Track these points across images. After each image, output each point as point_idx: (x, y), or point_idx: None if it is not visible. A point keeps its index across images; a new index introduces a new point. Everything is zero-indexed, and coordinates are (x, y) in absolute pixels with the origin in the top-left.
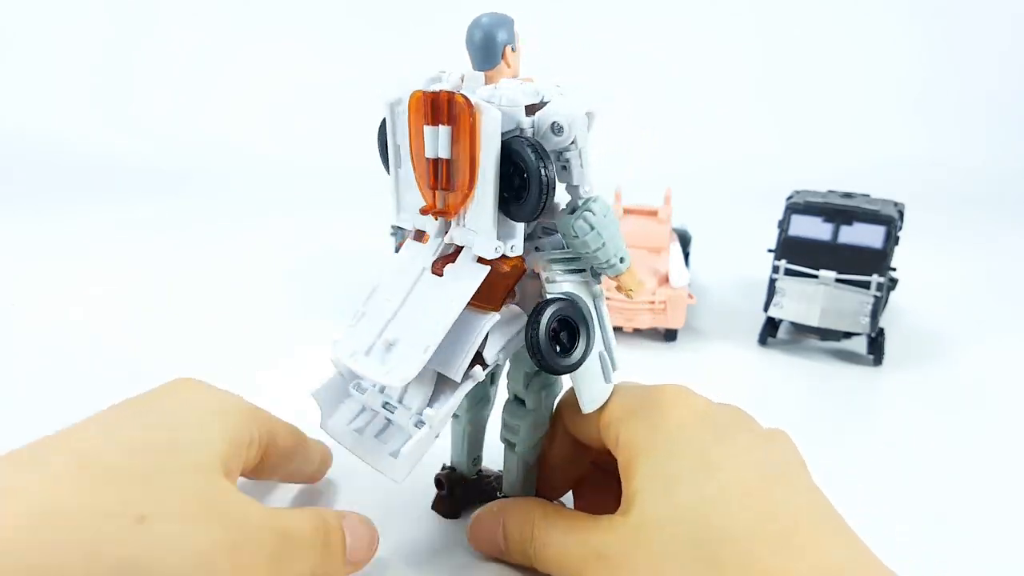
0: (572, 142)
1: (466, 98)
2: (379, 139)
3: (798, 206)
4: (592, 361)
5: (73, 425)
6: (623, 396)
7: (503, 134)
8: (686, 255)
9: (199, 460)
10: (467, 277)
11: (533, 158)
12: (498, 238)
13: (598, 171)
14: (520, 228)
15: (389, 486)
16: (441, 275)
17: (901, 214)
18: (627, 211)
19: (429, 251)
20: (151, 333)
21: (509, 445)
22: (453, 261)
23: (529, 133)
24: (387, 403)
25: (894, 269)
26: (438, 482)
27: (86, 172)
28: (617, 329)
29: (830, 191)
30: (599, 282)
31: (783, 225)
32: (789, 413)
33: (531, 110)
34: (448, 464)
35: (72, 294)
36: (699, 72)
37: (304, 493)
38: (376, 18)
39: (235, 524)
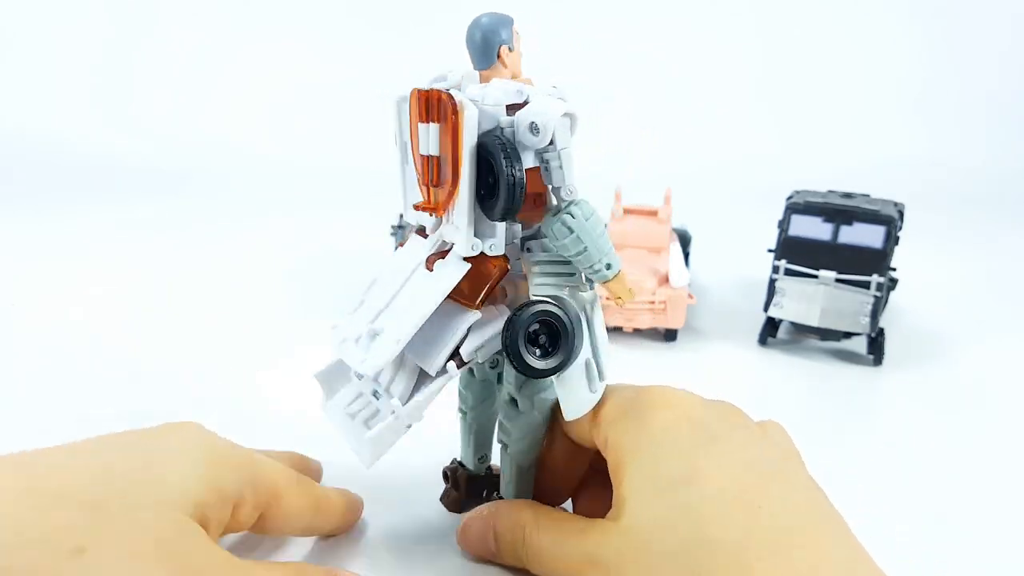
0: (551, 143)
1: (449, 96)
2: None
3: (798, 206)
4: (576, 368)
5: (44, 448)
6: (614, 397)
7: (485, 133)
8: (686, 255)
9: (166, 497)
10: (447, 274)
11: (502, 157)
12: (476, 236)
13: (598, 171)
14: (500, 227)
15: (397, 479)
16: (432, 271)
17: (901, 214)
18: (627, 211)
19: (426, 247)
20: (151, 333)
21: (503, 446)
22: (444, 257)
23: (509, 133)
24: (376, 391)
25: (894, 269)
26: (445, 475)
27: (86, 172)
28: (617, 329)
29: (830, 191)
30: (592, 288)
31: (783, 225)
32: (789, 413)
33: (514, 110)
34: (458, 459)
35: (72, 294)
36: (699, 72)
37: None
38: (376, 18)
39: (189, 569)
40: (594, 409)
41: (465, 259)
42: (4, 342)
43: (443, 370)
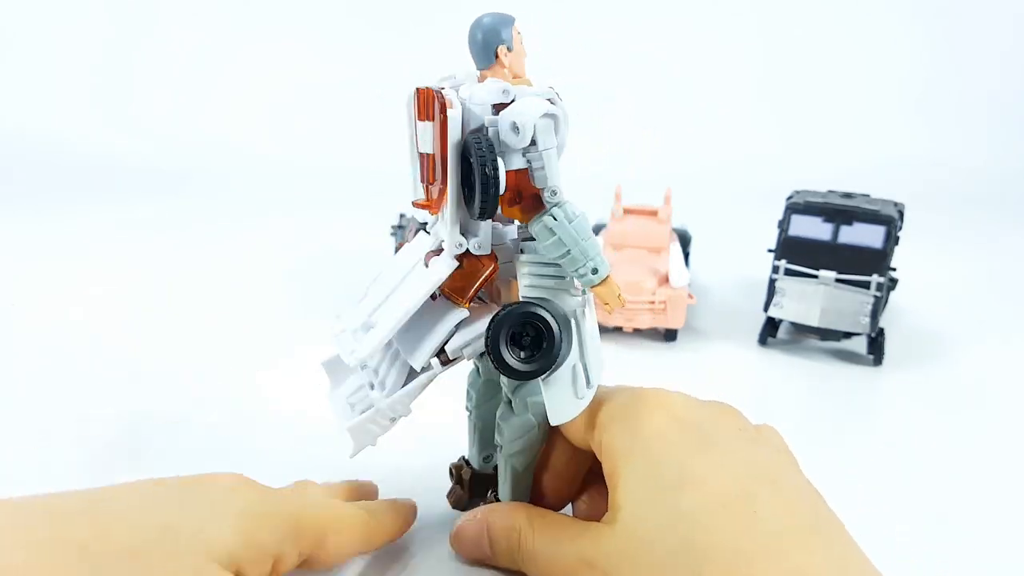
0: (532, 143)
1: (439, 95)
2: None
3: (798, 206)
4: (563, 373)
5: (82, 490)
6: (609, 401)
7: (471, 132)
8: (686, 255)
9: (203, 550)
10: (434, 271)
11: (477, 155)
12: (462, 234)
13: (598, 171)
14: (484, 226)
15: (404, 477)
16: (428, 267)
17: (901, 214)
18: (627, 211)
19: (427, 243)
20: (151, 333)
21: (498, 447)
22: (440, 255)
23: (493, 132)
24: (372, 383)
25: (894, 269)
26: (451, 473)
27: (86, 172)
28: (617, 329)
29: (830, 191)
30: (584, 292)
31: (783, 225)
32: (789, 413)
33: (500, 110)
34: (466, 457)
35: (72, 294)
36: (700, 72)
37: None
38: (376, 18)
39: None
40: (589, 412)
41: (456, 257)
42: (4, 342)
43: (428, 366)
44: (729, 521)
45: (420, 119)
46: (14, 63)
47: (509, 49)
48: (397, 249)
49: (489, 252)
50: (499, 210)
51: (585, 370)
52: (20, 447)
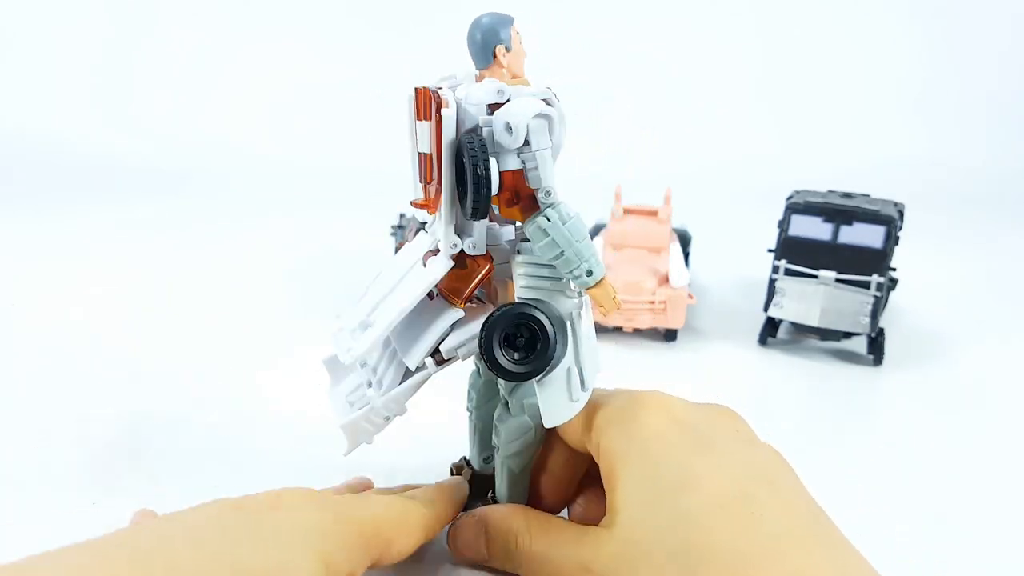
0: (526, 143)
1: (435, 94)
2: None
3: (798, 206)
4: (558, 375)
5: (149, 526)
6: (606, 403)
7: (465, 132)
8: (686, 255)
9: None
10: (429, 271)
11: (469, 155)
12: (456, 234)
13: (598, 171)
14: (478, 226)
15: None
16: (425, 267)
17: (901, 214)
18: (627, 211)
19: (426, 243)
20: (151, 333)
21: (495, 448)
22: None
23: (487, 132)
24: (371, 381)
25: (894, 269)
26: (451, 471)
27: (86, 172)
28: (617, 329)
29: (830, 191)
30: (581, 294)
31: (783, 225)
32: (789, 413)
33: (495, 110)
34: (467, 457)
35: (72, 294)
36: (699, 72)
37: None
38: (376, 18)
39: None
40: (586, 415)
41: (453, 257)
42: (4, 342)
43: (423, 365)
44: (728, 522)
45: (419, 119)
46: (14, 63)
47: (507, 49)
48: (397, 249)
49: (484, 252)
50: (496, 210)
51: (580, 373)
52: (20, 447)
